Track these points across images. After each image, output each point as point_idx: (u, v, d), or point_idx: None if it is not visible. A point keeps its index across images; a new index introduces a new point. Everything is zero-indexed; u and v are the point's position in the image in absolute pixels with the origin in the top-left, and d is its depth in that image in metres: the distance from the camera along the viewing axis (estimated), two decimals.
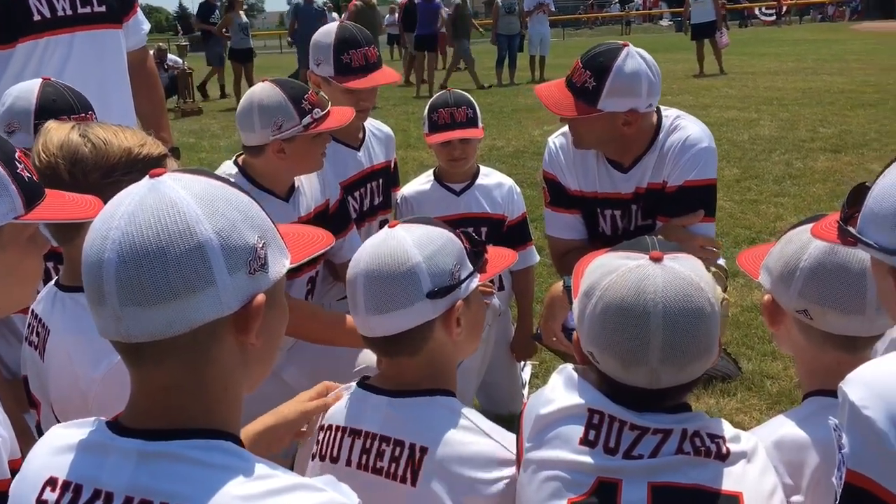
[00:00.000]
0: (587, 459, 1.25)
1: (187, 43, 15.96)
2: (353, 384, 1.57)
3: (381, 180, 2.93)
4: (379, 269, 1.42)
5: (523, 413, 1.38)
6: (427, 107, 2.82)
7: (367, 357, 2.32)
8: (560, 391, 1.33)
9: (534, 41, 15.69)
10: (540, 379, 3.40)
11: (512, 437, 1.44)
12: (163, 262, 0.95)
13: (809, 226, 1.35)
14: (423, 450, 1.40)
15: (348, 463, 1.46)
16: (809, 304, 1.40)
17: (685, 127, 2.44)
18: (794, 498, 1.33)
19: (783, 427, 1.40)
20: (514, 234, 2.91)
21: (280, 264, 1.08)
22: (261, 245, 1.03)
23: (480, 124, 2.82)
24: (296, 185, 2.45)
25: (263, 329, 1.05)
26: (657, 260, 1.26)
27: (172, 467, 0.97)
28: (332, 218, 2.58)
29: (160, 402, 1.02)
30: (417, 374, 1.49)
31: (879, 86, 12.24)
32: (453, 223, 2.80)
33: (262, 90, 2.27)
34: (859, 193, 1.19)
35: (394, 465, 1.42)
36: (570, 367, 1.37)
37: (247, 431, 1.53)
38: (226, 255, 0.98)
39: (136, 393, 1.04)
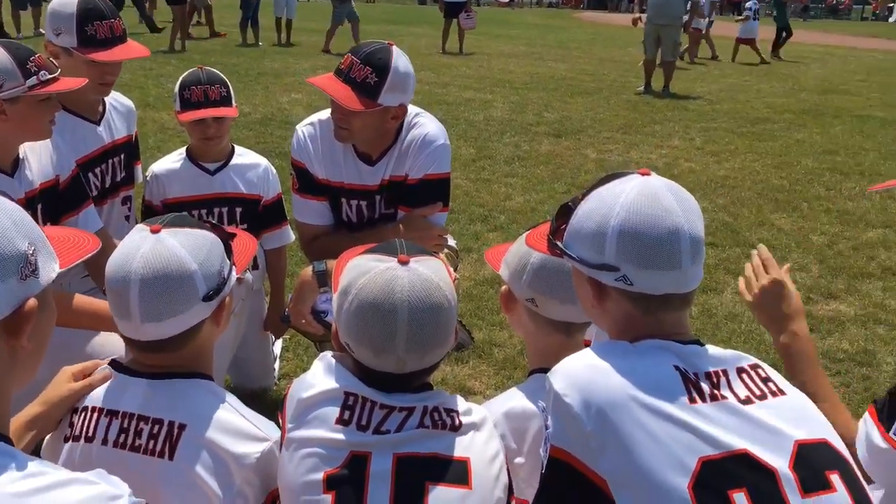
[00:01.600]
0: (341, 437, 1.40)
1: None
2: (107, 366, 1.58)
3: (122, 155, 2.84)
4: (156, 279, 1.44)
5: (286, 397, 1.50)
6: (178, 84, 2.77)
7: (114, 345, 2.26)
8: (320, 377, 1.47)
9: (279, 3, 15.39)
10: (291, 353, 3.51)
11: (266, 421, 1.56)
12: None
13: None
14: (182, 426, 1.47)
15: (104, 442, 1.48)
16: (536, 294, 1.66)
17: (424, 124, 2.64)
18: (517, 459, 1.58)
19: (512, 399, 1.65)
20: (269, 214, 2.96)
21: (50, 269, 1.11)
22: (31, 251, 1.06)
23: (234, 103, 2.84)
24: (21, 159, 2.31)
25: (34, 332, 1.07)
26: (404, 263, 1.43)
27: None
28: (64, 195, 2.46)
29: None
30: (178, 361, 1.54)
31: (596, 75, 13.60)
32: (207, 203, 2.84)
33: None
34: (565, 211, 1.43)
35: (152, 441, 1.46)
36: (329, 354, 1.51)
37: (17, 420, 1.50)
38: None
39: None
